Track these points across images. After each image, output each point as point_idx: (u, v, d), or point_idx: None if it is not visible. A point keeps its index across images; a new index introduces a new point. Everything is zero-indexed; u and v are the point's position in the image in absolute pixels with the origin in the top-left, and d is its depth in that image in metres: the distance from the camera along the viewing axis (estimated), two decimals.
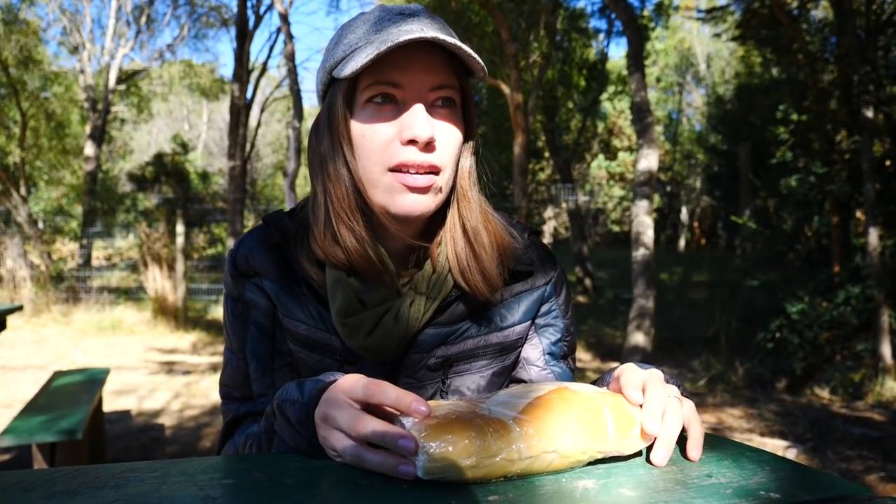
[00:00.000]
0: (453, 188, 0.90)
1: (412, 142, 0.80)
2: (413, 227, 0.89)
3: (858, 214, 7.69)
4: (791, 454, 3.84)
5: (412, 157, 0.81)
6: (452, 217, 0.90)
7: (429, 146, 0.81)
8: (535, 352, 1.00)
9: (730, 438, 0.82)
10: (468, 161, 0.91)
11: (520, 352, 1.00)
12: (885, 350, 5.64)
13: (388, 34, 0.80)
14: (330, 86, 0.87)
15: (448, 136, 0.84)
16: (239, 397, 0.95)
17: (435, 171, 0.83)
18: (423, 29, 0.80)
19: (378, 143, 0.82)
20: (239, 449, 0.88)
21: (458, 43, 0.79)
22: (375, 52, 0.77)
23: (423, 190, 0.83)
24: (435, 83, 0.82)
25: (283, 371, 0.93)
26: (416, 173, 0.82)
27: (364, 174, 0.84)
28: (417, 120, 0.80)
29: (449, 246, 0.90)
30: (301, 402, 0.73)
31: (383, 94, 0.82)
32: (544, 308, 1.00)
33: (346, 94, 0.84)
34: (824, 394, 5.51)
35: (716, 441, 0.79)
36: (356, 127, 0.84)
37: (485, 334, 0.94)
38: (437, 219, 0.91)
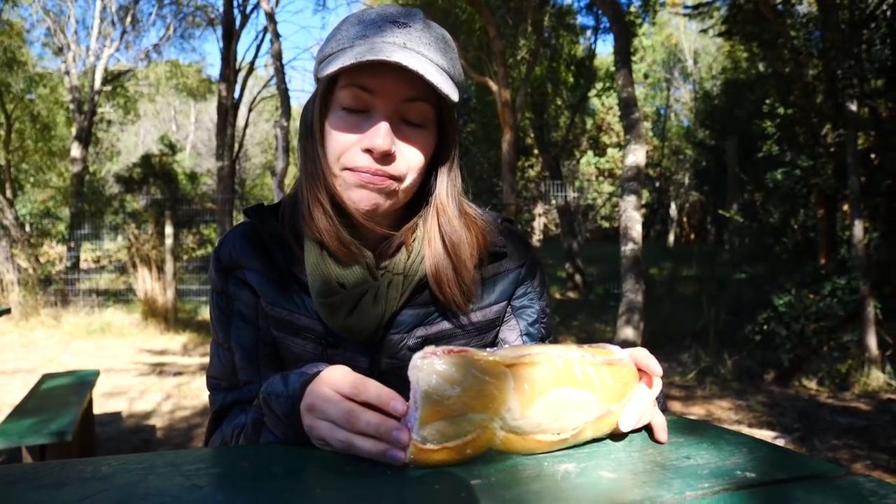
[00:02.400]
0: (431, 201, 0.94)
1: (369, 151, 0.85)
2: (382, 222, 0.92)
3: (844, 207, 7.77)
4: (779, 444, 3.89)
5: (366, 163, 0.85)
6: (433, 229, 0.93)
7: (386, 158, 0.85)
8: (512, 334, 1.03)
9: (710, 423, 0.84)
10: (445, 178, 0.94)
11: (498, 331, 1.03)
12: (871, 341, 5.70)
13: (370, 44, 0.83)
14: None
15: (410, 151, 0.87)
16: (226, 387, 0.97)
17: (391, 178, 0.86)
18: (405, 44, 0.83)
19: (341, 144, 0.87)
20: (227, 439, 0.90)
21: (423, 71, 0.81)
22: (342, 63, 0.81)
23: (377, 189, 0.86)
24: (407, 95, 0.85)
25: (268, 359, 0.96)
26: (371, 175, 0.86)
27: (329, 167, 0.89)
28: (378, 132, 0.84)
29: (426, 248, 0.93)
30: (286, 394, 0.75)
31: (356, 97, 0.86)
32: (520, 290, 1.03)
33: (324, 93, 0.89)
34: (812, 385, 5.57)
35: (696, 425, 0.81)
36: (328, 124, 0.89)
37: (462, 314, 0.97)
38: (409, 216, 0.95)
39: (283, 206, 0.98)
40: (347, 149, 0.86)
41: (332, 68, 0.83)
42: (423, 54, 0.85)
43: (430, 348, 0.66)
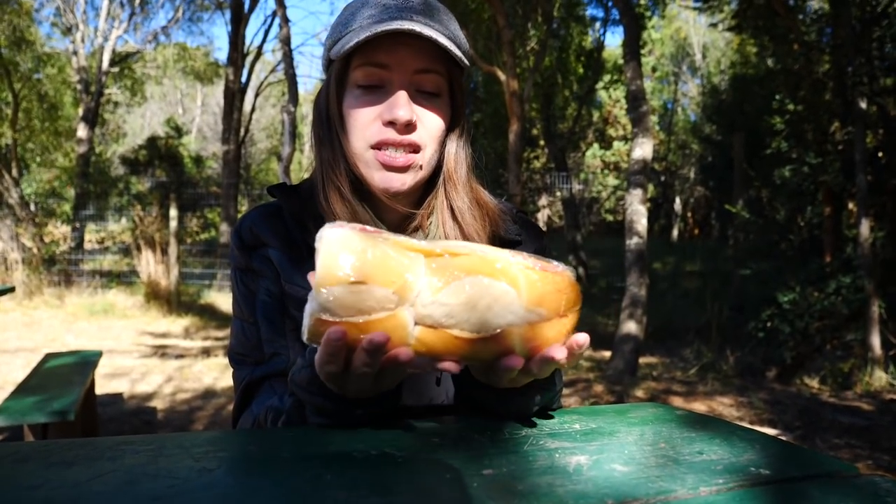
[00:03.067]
0: (441, 170, 0.95)
1: (392, 123, 0.87)
2: (404, 201, 0.94)
3: (850, 205, 7.74)
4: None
5: (391, 136, 0.88)
6: (440, 198, 0.96)
7: (408, 127, 0.87)
8: None
9: (722, 419, 0.83)
10: (454, 145, 0.96)
11: None
12: (875, 340, 5.69)
13: (382, 21, 0.85)
14: (330, 63, 0.94)
15: (430, 118, 0.90)
16: (252, 362, 0.96)
17: (415, 148, 0.89)
18: (412, 18, 0.86)
19: (362, 121, 0.89)
20: (259, 420, 0.88)
21: (436, 36, 0.84)
22: (357, 38, 0.84)
23: (402, 168, 0.89)
24: (420, 66, 0.88)
25: (294, 333, 0.95)
26: (396, 151, 0.88)
27: (352, 149, 0.91)
28: (398, 102, 0.86)
29: (439, 225, 0.95)
30: (305, 365, 0.76)
31: (371, 76, 0.88)
32: None
33: (339, 74, 0.91)
34: (814, 383, 5.57)
35: (707, 420, 0.80)
36: (346, 105, 0.91)
37: None
38: (430, 190, 0.97)
39: (302, 189, 0.99)
40: (369, 125, 0.88)
41: (346, 47, 0.85)
42: (430, 24, 0.87)
43: (340, 222, 0.63)
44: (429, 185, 0.96)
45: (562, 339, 0.69)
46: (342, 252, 0.60)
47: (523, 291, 0.65)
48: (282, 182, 1.03)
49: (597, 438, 0.71)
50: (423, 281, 0.62)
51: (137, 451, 0.65)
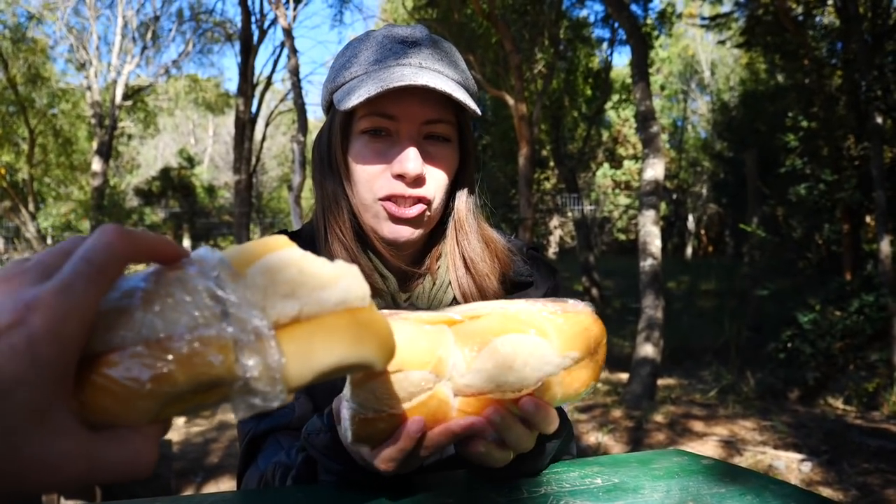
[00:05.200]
0: (451, 216, 0.93)
1: (401, 176, 0.84)
2: (407, 252, 0.92)
3: (869, 221, 7.63)
4: (806, 467, 3.78)
5: (400, 189, 0.85)
6: (451, 245, 0.93)
7: (417, 181, 0.85)
8: None
9: (752, 470, 0.78)
10: (465, 192, 0.94)
11: None
12: None
13: (388, 71, 0.82)
14: (332, 104, 0.90)
15: (438, 169, 0.88)
16: (257, 413, 0.91)
17: (424, 201, 0.86)
18: (420, 64, 0.84)
19: (370, 173, 0.86)
20: (267, 477, 0.84)
21: (449, 90, 0.81)
22: (367, 94, 0.80)
23: (410, 220, 0.86)
24: (429, 116, 0.85)
25: None
26: (404, 206, 0.85)
27: (357, 199, 0.88)
28: (407, 157, 0.83)
29: (451, 272, 0.92)
30: (325, 429, 0.72)
31: (378, 125, 0.85)
32: None
33: (343, 123, 0.88)
34: (838, 404, 5.44)
35: (737, 472, 0.75)
36: (351, 155, 0.88)
37: None
38: (434, 240, 0.94)
39: (303, 235, 0.97)
40: (378, 177, 0.86)
41: (353, 100, 0.81)
42: (440, 71, 0.85)
43: None
44: (434, 229, 0.94)
45: (596, 376, 0.68)
46: None
47: (554, 340, 0.63)
48: (282, 230, 1.00)
49: (620, 496, 0.67)
50: (455, 353, 0.60)
51: None
